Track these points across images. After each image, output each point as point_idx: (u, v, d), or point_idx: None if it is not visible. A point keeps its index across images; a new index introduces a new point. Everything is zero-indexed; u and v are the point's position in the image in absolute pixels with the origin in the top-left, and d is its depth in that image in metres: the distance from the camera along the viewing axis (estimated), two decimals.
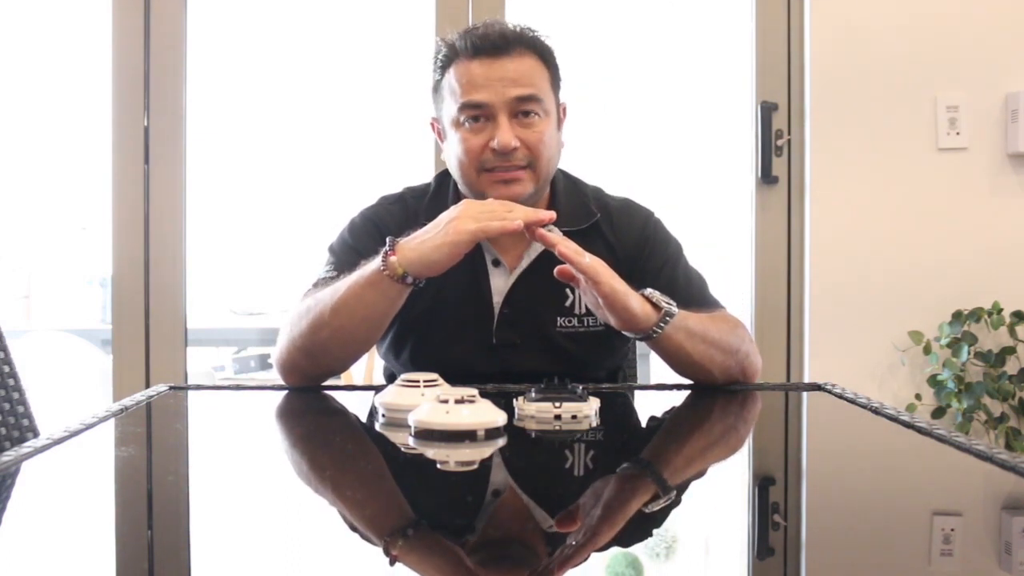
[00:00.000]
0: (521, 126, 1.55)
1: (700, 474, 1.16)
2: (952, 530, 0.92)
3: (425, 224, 1.48)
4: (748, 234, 2.77)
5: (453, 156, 1.59)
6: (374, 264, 1.43)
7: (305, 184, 3.59)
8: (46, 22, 3.52)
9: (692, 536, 0.90)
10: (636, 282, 1.58)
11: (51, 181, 3.94)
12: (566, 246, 1.39)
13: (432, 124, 1.67)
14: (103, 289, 4.08)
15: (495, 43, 1.55)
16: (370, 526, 0.92)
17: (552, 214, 1.44)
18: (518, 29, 1.58)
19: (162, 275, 2.68)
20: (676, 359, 1.51)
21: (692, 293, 1.62)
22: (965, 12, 2.63)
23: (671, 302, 1.46)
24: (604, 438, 1.28)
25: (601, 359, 1.66)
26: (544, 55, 1.60)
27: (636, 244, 1.65)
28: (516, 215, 1.40)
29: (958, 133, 2.62)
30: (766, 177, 2.71)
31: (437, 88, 1.62)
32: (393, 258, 1.41)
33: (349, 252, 1.61)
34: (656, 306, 1.45)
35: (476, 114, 1.55)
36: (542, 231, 1.42)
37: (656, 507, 0.96)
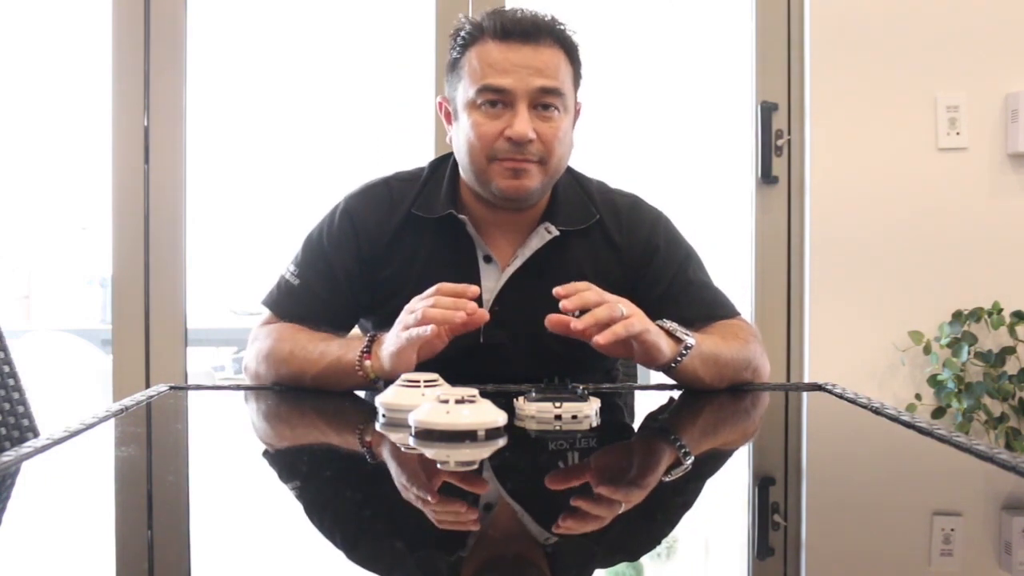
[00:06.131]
0: (539, 119, 1.48)
1: (700, 474, 1.15)
2: (952, 530, 0.91)
3: (414, 213, 1.56)
4: (748, 234, 2.77)
5: (463, 139, 1.52)
6: (351, 356, 1.44)
7: (305, 184, 3.58)
8: (46, 22, 3.52)
9: (692, 536, 0.90)
10: (643, 286, 1.57)
11: (51, 181, 3.93)
12: (625, 328, 1.34)
13: (440, 104, 1.59)
14: (103, 289, 4.09)
15: (526, 29, 1.48)
16: (372, 527, 0.92)
17: (475, 289, 1.38)
18: (548, 18, 1.51)
19: (162, 275, 2.68)
20: (689, 384, 1.49)
21: (707, 301, 1.61)
22: (965, 12, 2.63)
23: (688, 333, 1.44)
24: (604, 438, 1.28)
25: (591, 363, 1.61)
26: (570, 51, 1.53)
27: (644, 249, 1.61)
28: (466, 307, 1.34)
29: (958, 133, 2.62)
30: (766, 177, 2.71)
31: (454, 66, 1.53)
32: (368, 363, 1.42)
33: (319, 259, 1.61)
34: (676, 339, 1.43)
35: (495, 99, 1.48)
36: (609, 332, 1.32)
37: (660, 512, 0.96)
